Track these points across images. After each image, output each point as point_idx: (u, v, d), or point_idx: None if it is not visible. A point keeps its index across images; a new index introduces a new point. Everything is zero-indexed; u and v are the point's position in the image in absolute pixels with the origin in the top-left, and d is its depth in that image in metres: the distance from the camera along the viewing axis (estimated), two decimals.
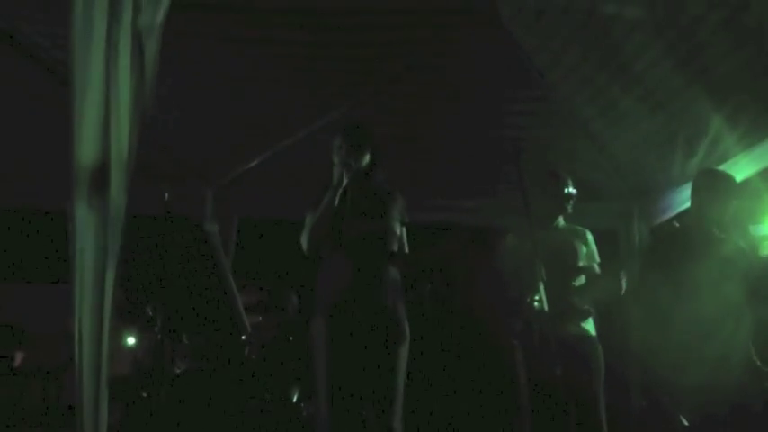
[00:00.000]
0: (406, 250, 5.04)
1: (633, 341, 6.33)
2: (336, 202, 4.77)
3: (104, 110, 3.51)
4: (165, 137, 6.69)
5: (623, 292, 5.18)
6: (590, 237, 5.54)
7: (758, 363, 4.89)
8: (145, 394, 5.58)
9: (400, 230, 4.98)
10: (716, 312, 4.80)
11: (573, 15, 5.11)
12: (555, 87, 6.06)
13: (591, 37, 5.31)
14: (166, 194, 4.75)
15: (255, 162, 7.29)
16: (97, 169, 3.44)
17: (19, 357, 7.38)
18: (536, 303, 4.60)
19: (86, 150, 3.45)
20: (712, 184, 5.28)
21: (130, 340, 6.46)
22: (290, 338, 6.27)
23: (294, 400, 6.01)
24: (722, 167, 5.79)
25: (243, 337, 6.05)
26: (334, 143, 4.97)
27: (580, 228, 5.57)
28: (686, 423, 4.87)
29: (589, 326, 5.34)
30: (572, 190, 5.53)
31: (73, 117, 3.48)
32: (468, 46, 5.61)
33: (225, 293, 4.76)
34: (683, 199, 6.62)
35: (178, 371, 5.89)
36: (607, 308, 5.50)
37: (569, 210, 5.56)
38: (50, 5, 5.19)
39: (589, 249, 5.48)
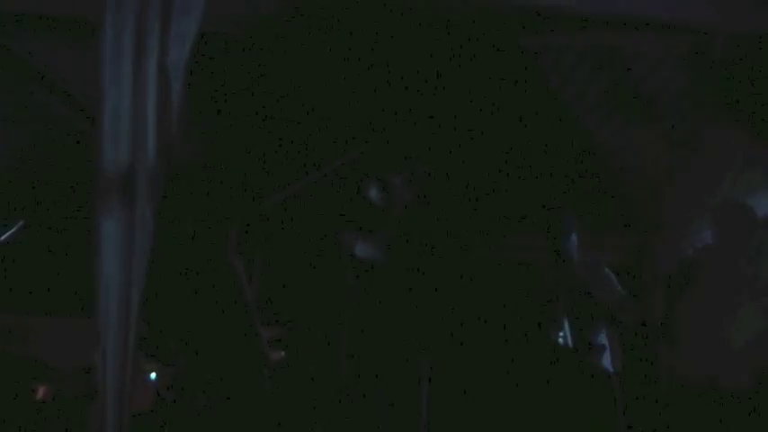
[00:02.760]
0: None
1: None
2: None
3: (132, 136, 3.57)
4: (190, 170, 6.72)
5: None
6: None
7: None
8: (167, 429, 5.56)
9: None
10: (747, 346, 4.75)
11: None
12: None
13: None
14: (192, 229, 4.78)
15: (280, 197, 7.29)
16: (123, 197, 3.48)
17: (42, 391, 7.39)
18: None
19: (113, 168, 3.50)
20: (735, 216, 5.25)
21: (153, 375, 6.45)
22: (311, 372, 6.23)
23: None
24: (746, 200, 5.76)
25: (265, 372, 6.03)
26: None
27: None
28: None
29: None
30: None
31: (100, 144, 3.53)
32: None
33: (248, 328, 4.76)
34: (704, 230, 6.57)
35: (199, 405, 5.87)
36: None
37: None
38: (78, 42, 5.26)
39: None
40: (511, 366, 5.08)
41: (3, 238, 6.78)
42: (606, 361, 5.39)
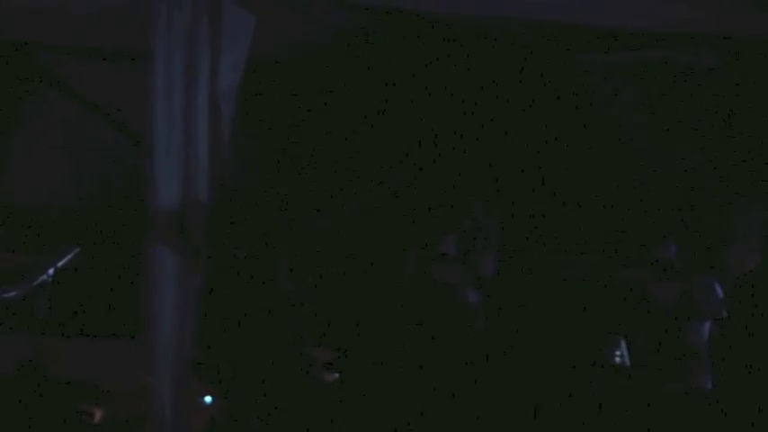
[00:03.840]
0: None
1: None
2: None
3: (184, 167, 3.61)
4: (241, 196, 6.76)
5: None
6: None
7: None
8: None
9: None
10: None
11: None
12: None
13: None
14: (241, 253, 4.81)
15: (329, 221, 7.31)
16: (177, 225, 3.52)
17: (98, 414, 7.46)
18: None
19: (167, 199, 3.54)
20: None
21: (207, 399, 6.49)
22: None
23: None
24: None
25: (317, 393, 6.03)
26: None
27: None
28: None
29: None
30: None
31: (153, 171, 3.57)
32: None
33: (298, 351, 4.78)
34: None
35: (253, 428, 5.88)
36: None
37: None
38: (127, 69, 5.34)
39: None
40: (567, 383, 5.06)
41: (59, 263, 6.89)
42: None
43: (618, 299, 5.19)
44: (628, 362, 4.80)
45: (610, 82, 5.57)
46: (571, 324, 5.21)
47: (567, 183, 6.50)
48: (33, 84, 5.75)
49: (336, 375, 6.50)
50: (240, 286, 4.69)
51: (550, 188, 6.37)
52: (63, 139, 6.25)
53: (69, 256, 6.90)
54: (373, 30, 4.28)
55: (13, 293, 6.65)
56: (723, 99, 5.41)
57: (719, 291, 5.33)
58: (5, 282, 6.60)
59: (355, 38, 4.42)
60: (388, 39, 4.42)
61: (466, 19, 4.02)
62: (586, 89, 5.52)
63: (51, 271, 6.99)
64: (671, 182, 6.58)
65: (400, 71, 5.22)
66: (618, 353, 4.56)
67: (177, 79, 3.74)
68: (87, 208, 6.91)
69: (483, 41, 4.58)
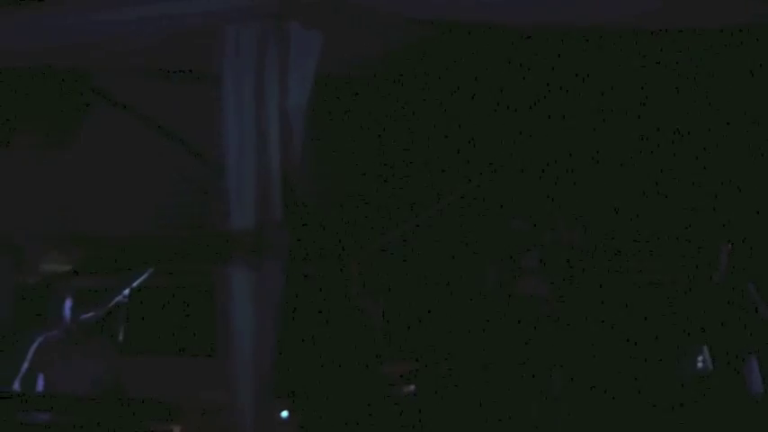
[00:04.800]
0: None
1: None
2: None
3: (257, 185, 3.64)
4: (313, 210, 6.80)
5: None
6: None
7: None
8: None
9: None
10: None
11: None
12: None
13: None
14: (313, 267, 4.83)
15: (400, 232, 7.31)
16: (252, 245, 3.55)
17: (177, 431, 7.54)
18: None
19: (242, 219, 3.57)
20: None
21: (284, 414, 6.52)
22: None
23: None
24: None
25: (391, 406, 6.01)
26: None
27: None
28: None
29: None
30: None
31: (227, 191, 3.61)
32: None
33: (373, 365, 4.79)
34: None
35: None
36: None
37: None
38: (197, 93, 5.41)
39: None
40: (650, 388, 4.96)
41: (134, 283, 7.01)
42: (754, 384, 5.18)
43: (701, 305, 5.08)
44: (711, 368, 4.70)
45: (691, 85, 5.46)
46: (653, 332, 5.13)
47: (649, 192, 6.43)
48: (105, 111, 5.86)
49: (412, 388, 6.49)
50: (314, 301, 4.69)
51: (632, 198, 6.30)
52: (135, 163, 6.36)
53: (144, 277, 7.01)
54: (441, 42, 4.27)
55: (90, 315, 6.76)
56: None
57: None
58: (83, 304, 6.71)
59: (423, 51, 4.42)
60: (455, 51, 4.41)
61: (536, 27, 3.99)
62: (671, 95, 5.43)
63: (127, 292, 7.12)
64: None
65: (472, 83, 5.20)
66: (701, 359, 4.46)
67: (247, 99, 3.79)
68: (162, 230, 7.01)
69: (558, 50, 4.54)
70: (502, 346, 4.89)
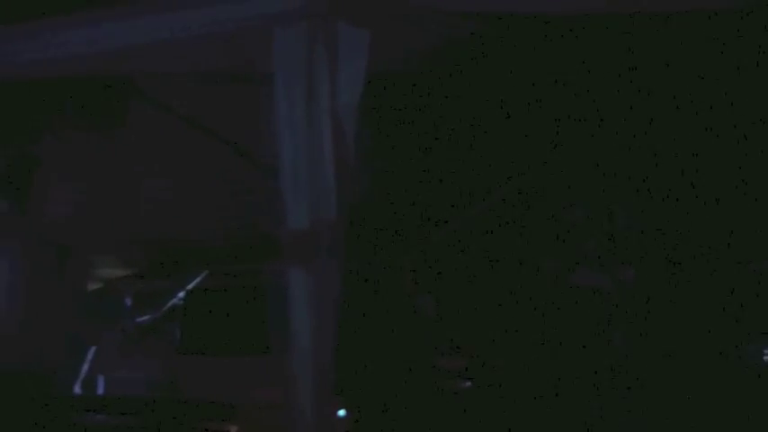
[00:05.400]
0: None
1: None
2: None
3: (311, 185, 3.66)
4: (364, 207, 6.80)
5: None
6: None
7: None
8: None
9: None
10: None
11: None
12: None
13: None
14: (368, 265, 4.84)
15: (449, 229, 7.30)
16: (308, 248, 3.56)
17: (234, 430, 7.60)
18: None
19: (296, 230, 3.59)
20: None
21: (341, 412, 6.55)
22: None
23: None
24: None
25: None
26: None
27: None
28: None
29: None
30: None
31: (280, 192, 3.63)
32: None
33: (428, 361, 4.79)
34: None
35: None
36: None
37: None
38: (246, 95, 5.43)
39: None
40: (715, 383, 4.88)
41: (189, 285, 7.08)
42: None
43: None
44: None
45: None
46: (716, 325, 5.05)
47: (710, 181, 6.33)
48: (157, 116, 5.92)
49: (468, 383, 6.48)
50: (368, 298, 4.70)
51: (693, 188, 6.22)
52: (188, 167, 6.41)
53: (199, 279, 7.08)
54: (491, 35, 4.25)
55: (145, 318, 6.86)
56: None
57: None
58: (140, 306, 6.81)
59: (472, 44, 4.40)
60: (505, 43, 4.39)
61: (582, 17, 3.95)
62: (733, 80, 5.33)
63: (182, 294, 7.20)
64: None
65: (522, 74, 5.16)
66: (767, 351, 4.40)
67: (298, 100, 3.80)
68: (216, 232, 7.07)
69: (605, 39, 4.50)
70: (559, 340, 4.85)
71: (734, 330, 5.18)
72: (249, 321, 7.01)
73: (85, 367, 6.49)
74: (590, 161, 6.13)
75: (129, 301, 6.89)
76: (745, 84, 5.43)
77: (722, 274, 5.69)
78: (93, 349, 6.58)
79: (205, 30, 4.11)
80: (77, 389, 6.38)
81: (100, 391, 6.46)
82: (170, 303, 7.18)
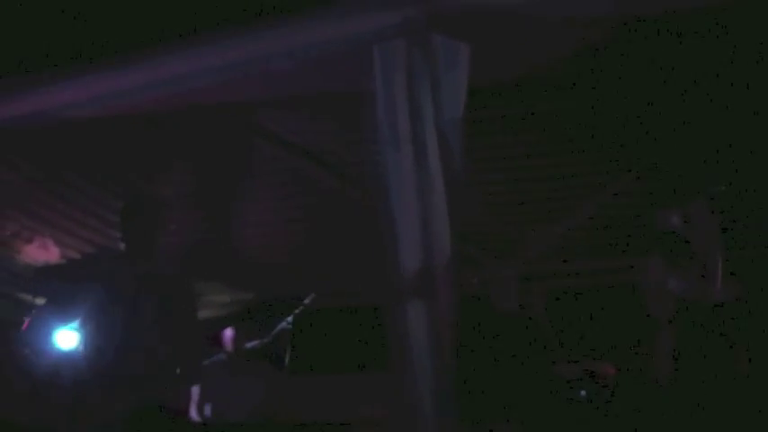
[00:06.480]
0: None
1: None
2: None
3: (421, 210, 3.60)
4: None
5: None
6: None
7: None
8: None
9: None
10: None
11: None
12: None
13: None
14: (476, 279, 4.79)
15: (556, 236, 7.19)
16: (423, 272, 3.50)
17: None
18: None
19: (409, 253, 3.54)
20: None
21: None
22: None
23: None
24: None
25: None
26: None
27: None
28: None
29: None
30: None
31: (392, 221, 3.59)
32: None
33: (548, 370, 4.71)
34: None
35: None
36: None
37: None
38: (344, 117, 5.43)
39: None
40: None
41: (297, 309, 7.14)
42: None
43: None
44: None
45: None
46: None
47: None
48: (256, 144, 5.96)
49: (583, 393, 6.33)
50: (479, 311, 4.65)
51: None
52: (291, 193, 6.45)
53: (306, 303, 7.13)
54: (603, 41, 4.15)
55: (255, 343, 6.92)
56: None
57: None
58: (247, 332, 6.86)
59: (582, 52, 4.32)
60: (615, 48, 4.29)
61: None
62: None
63: (290, 318, 7.25)
64: None
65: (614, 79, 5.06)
66: None
67: (400, 117, 3.76)
68: (322, 256, 7.09)
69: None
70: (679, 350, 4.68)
71: None
72: (358, 340, 7.04)
73: (196, 393, 6.55)
74: (687, 164, 5.96)
75: (236, 327, 6.94)
76: None
77: None
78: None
79: (306, 54, 4.11)
80: (193, 414, 6.44)
81: (207, 415, 6.51)
82: (278, 328, 7.25)
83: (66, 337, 4.79)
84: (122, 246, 4.07)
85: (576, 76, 4.83)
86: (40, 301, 7.24)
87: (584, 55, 4.38)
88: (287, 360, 7.32)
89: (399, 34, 3.81)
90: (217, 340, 6.84)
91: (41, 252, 6.71)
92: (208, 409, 6.41)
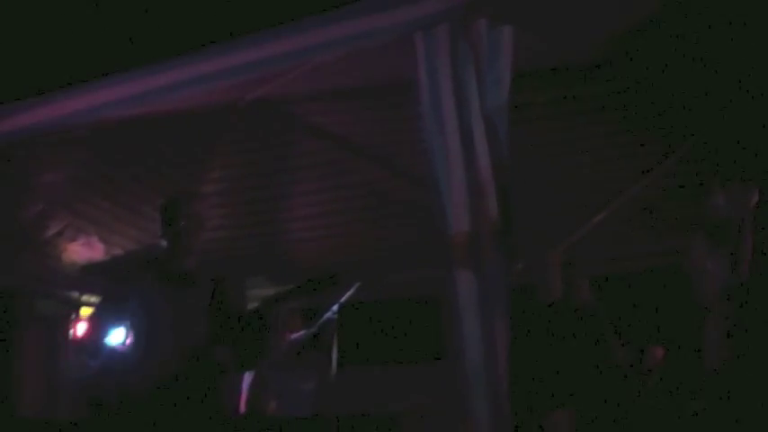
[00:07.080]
0: None
1: None
2: None
3: (469, 191, 3.59)
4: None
5: None
6: None
7: None
8: None
9: None
10: None
11: None
12: None
13: None
14: (519, 264, 4.76)
15: (596, 220, 7.12)
16: (473, 256, 3.50)
17: None
18: None
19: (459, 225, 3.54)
20: None
21: None
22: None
23: None
24: None
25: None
26: None
27: None
28: None
29: None
30: None
31: (439, 201, 3.58)
32: None
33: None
34: None
35: None
36: None
37: None
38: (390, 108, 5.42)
39: None
40: None
41: (343, 299, 7.12)
42: None
43: None
44: None
45: None
46: None
47: None
48: (303, 137, 5.97)
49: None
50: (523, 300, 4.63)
51: None
52: (339, 184, 6.44)
53: (351, 292, 7.11)
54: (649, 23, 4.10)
55: (301, 334, 6.92)
56: None
57: None
58: (293, 324, 6.87)
59: (625, 33, 4.27)
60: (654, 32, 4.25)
61: None
62: None
63: (336, 308, 7.25)
64: None
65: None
66: None
67: (446, 106, 3.74)
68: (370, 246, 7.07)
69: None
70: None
71: None
72: (406, 331, 7.05)
73: (244, 388, 6.57)
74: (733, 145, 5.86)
75: (283, 320, 6.95)
76: None
77: None
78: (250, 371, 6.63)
79: (349, 45, 4.10)
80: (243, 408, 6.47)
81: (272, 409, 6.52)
82: (324, 318, 7.24)
83: (118, 336, 4.83)
84: (164, 242, 4.06)
85: (619, 58, 4.78)
86: (87, 298, 7.33)
87: (626, 36, 4.34)
88: (334, 351, 7.31)
89: (442, 20, 3.79)
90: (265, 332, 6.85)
91: (87, 250, 6.77)
92: (273, 405, 6.42)
